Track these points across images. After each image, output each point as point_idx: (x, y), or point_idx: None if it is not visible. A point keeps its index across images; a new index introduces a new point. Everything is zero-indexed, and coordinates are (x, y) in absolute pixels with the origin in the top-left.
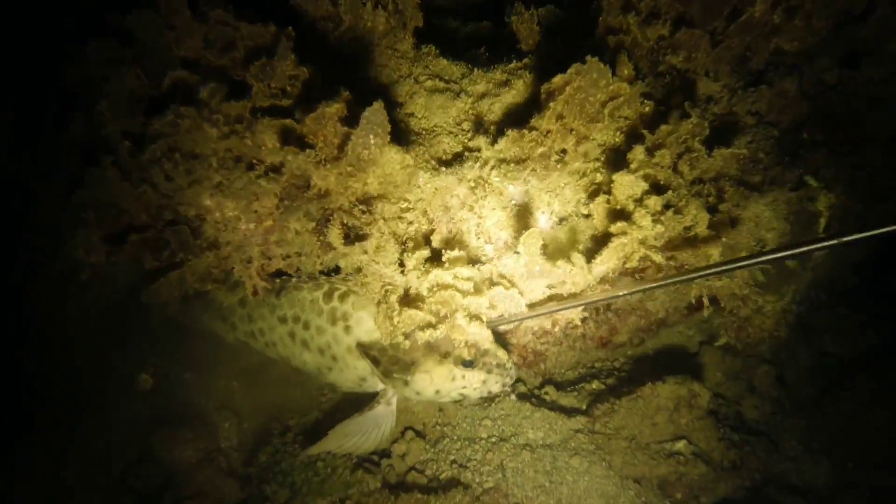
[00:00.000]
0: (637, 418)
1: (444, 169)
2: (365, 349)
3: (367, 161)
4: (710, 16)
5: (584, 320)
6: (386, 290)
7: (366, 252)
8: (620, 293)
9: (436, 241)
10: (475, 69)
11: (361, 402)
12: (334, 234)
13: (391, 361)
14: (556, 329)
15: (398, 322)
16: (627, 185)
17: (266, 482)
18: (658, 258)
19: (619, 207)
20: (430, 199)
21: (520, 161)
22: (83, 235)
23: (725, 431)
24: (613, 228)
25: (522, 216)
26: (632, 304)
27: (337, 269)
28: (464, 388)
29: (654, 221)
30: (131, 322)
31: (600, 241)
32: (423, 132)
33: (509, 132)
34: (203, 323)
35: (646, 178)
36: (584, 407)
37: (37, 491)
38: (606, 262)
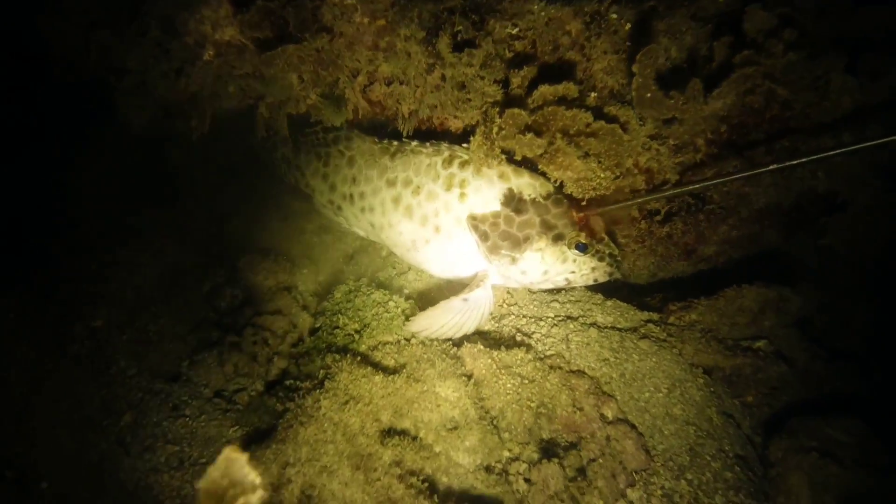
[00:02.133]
0: (715, 316)
1: (559, 1)
2: (476, 222)
3: None
4: None
5: (670, 216)
6: (486, 110)
7: (472, 65)
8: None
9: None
10: None
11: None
12: (443, 42)
13: (502, 237)
14: (643, 222)
15: (497, 132)
16: (761, 20)
17: (339, 314)
18: (783, 92)
19: (748, 41)
20: (541, 31)
21: None
22: (211, 8)
23: (812, 345)
24: (737, 58)
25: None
26: (729, 202)
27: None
28: (572, 272)
29: (789, 50)
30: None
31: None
32: None
33: None
34: (303, 179)
35: (782, 18)
36: (659, 304)
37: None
38: (725, 95)
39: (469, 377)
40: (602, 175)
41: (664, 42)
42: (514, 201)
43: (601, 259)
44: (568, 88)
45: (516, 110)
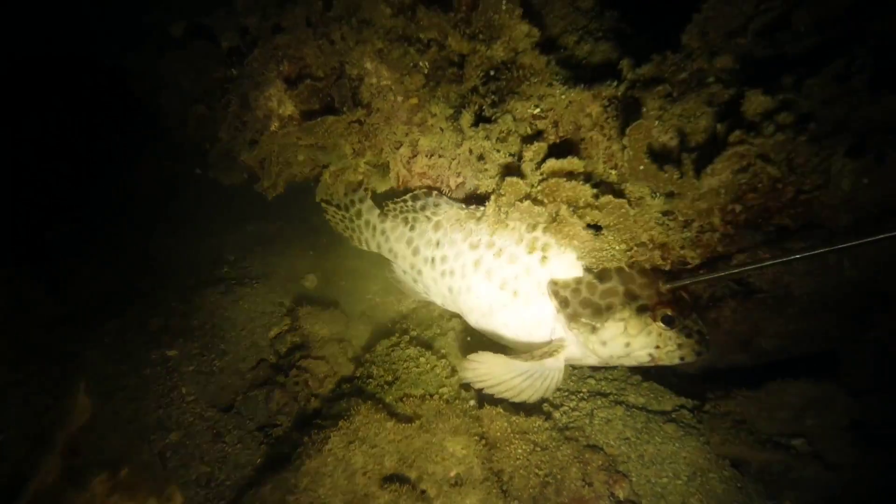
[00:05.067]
0: (754, 408)
1: (581, 85)
2: (556, 287)
3: (497, 26)
4: None
5: (718, 301)
6: (498, 179)
7: (489, 138)
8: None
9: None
10: None
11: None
12: (466, 117)
13: (583, 304)
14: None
15: (504, 196)
16: (759, 103)
17: (375, 365)
18: (772, 171)
19: (746, 124)
20: (562, 112)
21: (658, 82)
22: (276, 87)
23: (866, 450)
24: (732, 137)
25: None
26: (778, 292)
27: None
28: (657, 347)
29: (778, 131)
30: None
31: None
32: (569, 58)
33: (654, 55)
34: (386, 244)
35: (784, 104)
36: (700, 392)
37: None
38: (719, 172)
39: (482, 437)
40: (616, 247)
41: (660, 122)
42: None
43: (689, 335)
44: (572, 163)
45: (515, 179)
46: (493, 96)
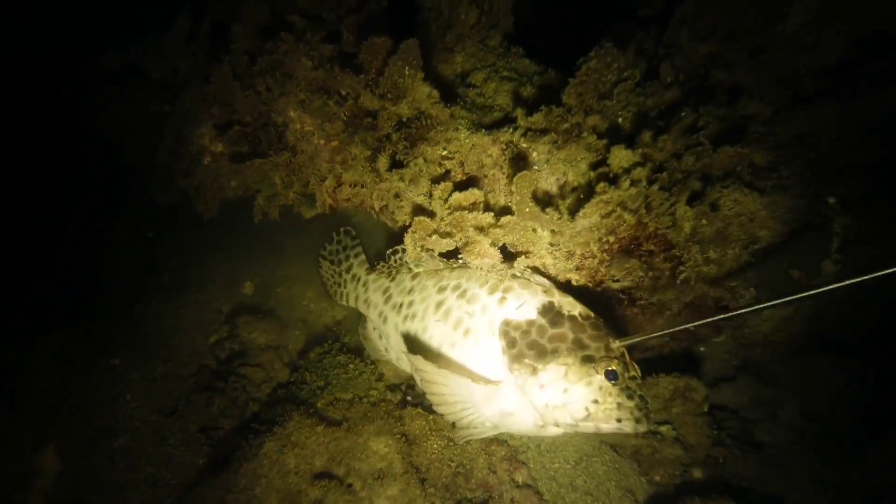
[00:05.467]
0: None
1: (483, 130)
2: (507, 328)
3: (402, 88)
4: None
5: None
6: (413, 214)
7: (403, 179)
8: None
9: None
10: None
11: None
12: (382, 161)
13: (530, 345)
14: None
15: (416, 233)
16: (622, 157)
17: (308, 371)
18: (629, 218)
19: (611, 175)
20: (467, 154)
21: (546, 131)
22: (207, 127)
23: (720, 434)
24: (598, 188)
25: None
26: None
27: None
28: (595, 401)
29: (633, 186)
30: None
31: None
32: (476, 103)
33: (542, 107)
34: (364, 294)
35: (644, 156)
36: None
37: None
38: (589, 216)
39: (404, 435)
40: (523, 263)
41: (548, 165)
42: (551, 313)
43: (630, 397)
44: (473, 194)
45: (422, 217)
46: (405, 142)
